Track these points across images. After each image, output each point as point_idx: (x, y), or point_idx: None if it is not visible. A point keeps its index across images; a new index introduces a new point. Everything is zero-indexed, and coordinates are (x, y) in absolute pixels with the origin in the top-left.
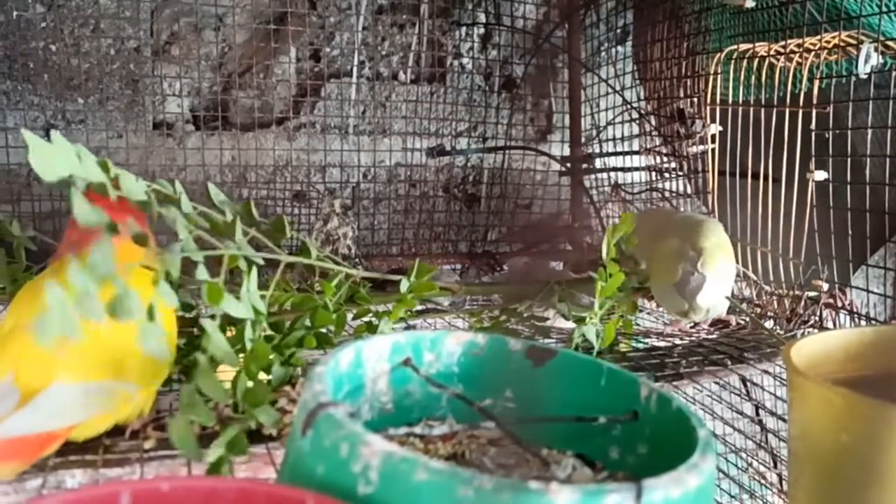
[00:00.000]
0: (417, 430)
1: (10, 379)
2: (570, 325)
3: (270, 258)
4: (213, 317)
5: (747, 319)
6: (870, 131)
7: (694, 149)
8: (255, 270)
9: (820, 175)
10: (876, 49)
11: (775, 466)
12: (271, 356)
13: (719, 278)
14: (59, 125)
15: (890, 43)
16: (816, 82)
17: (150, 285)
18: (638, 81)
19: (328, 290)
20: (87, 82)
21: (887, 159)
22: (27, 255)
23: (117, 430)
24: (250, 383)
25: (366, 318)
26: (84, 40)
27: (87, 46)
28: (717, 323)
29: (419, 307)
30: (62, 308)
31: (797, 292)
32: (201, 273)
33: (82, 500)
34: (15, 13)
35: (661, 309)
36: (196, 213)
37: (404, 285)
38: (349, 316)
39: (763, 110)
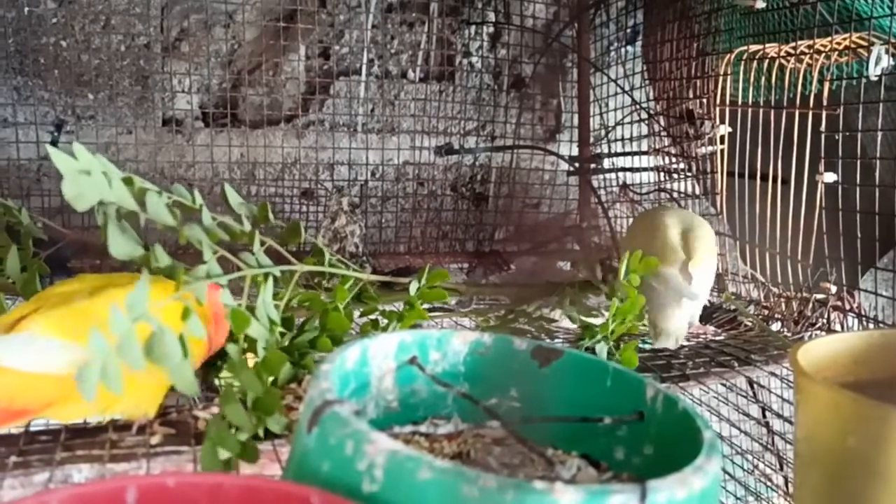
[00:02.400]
0: (423, 428)
1: None
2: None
3: (288, 269)
4: (235, 340)
5: (754, 321)
6: (880, 133)
7: (703, 150)
8: (270, 281)
9: (829, 177)
10: (887, 51)
11: (781, 469)
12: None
13: (701, 291)
14: (69, 121)
15: None
16: (827, 84)
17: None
18: (647, 81)
19: (341, 294)
20: (98, 78)
21: None
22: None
23: (124, 426)
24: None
25: (372, 316)
26: (95, 36)
27: (97, 42)
28: (725, 324)
29: (425, 305)
30: (106, 357)
31: (805, 294)
32: (226, 298)
33: (89, 495)
34: (26, 9)
35: None
36: (216, 224)
37: (413, 287)
38: (355, 313)
39: (773, 111)
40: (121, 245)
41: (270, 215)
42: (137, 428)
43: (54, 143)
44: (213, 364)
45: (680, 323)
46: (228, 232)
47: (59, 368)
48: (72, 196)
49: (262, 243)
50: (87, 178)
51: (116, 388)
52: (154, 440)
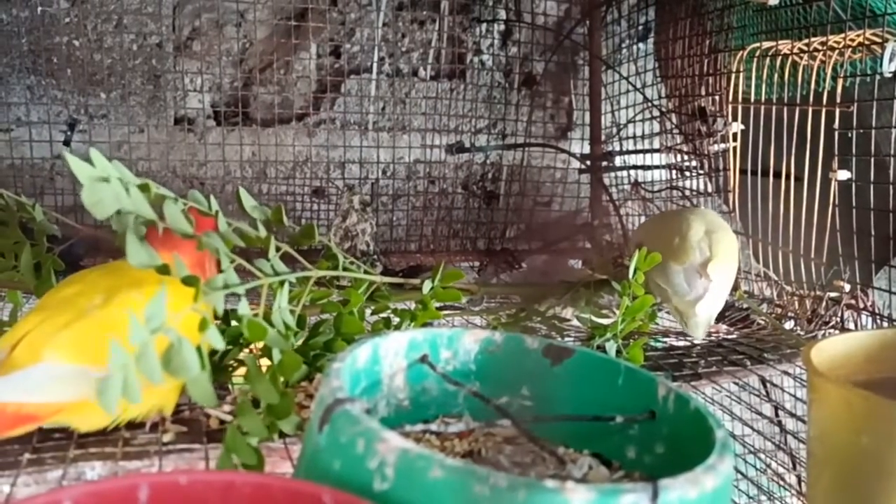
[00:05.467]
0: (434, 427)
1: (3, 355)
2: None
3: (304, 275)
4: (250, 350)
5: (767, 320)
6: (894, 130)
7: (715, 147)
8: (286, 287)
9: (843, 174)
10: None
11: (794, 468)
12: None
13: (720, 291)
14: (82, 120)
15: None
16: (840, 81)
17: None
18: (659, 79)
19: (355, 299)
20: (110, 77)
21: None
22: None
23: (137, 424)
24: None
25: (383, 314)
26: (107, 36)
27: (109, 42)
28: (737, 323)
29: (437, 304)
30: (126, 371)
31: (818, 293)
32: (243, 307)
33: (102, 492)
34: (39, 8)
35: None
36: (231, 230)
37: (427, 287)
38: (367, 311)
39: (786, 109)
40: (140, 255)
41: (285, 218)
42: (150, 426)
43: (67, 142)
44: (225, 366)
45: (709, 311)
46: (244, 237)
47: (76, 397)
48: (91, 203)
49: (278, 249)
50: (105, 185)
51: (136, 399)
52: (166, 438)
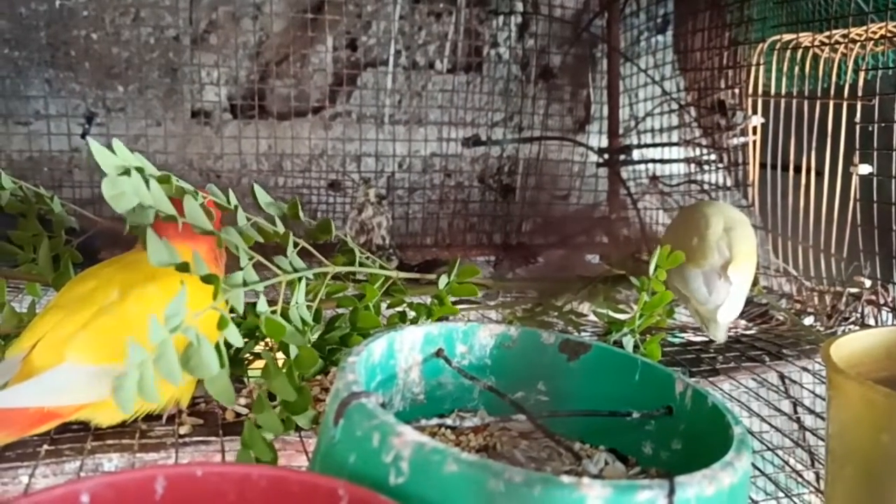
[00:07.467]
0: (449, 421)
1: (21, 357)
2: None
3: (321, 272)
4: (269, 347)
5: (786, 315)
6: None
7: (735, 141)
8: (303, 283)
9: (864, 168)
10: None
11: (812, 465)
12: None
13: (740, 292)
14: (100, 113)
15: None
16: (862, 73)
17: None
18: (678, 72)
19: (371, 294)
20: (128, 71)
21: None
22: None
23: (154, 416)
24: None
25: (399, 309)
26: (124, 29)
27: (127, 35)
28: (756, 318)
29: (453, 298)
30: (143, 370)
31: (838, 288)
32: (262, 305)
33: (119, 484)
34: (58, 2)
35: None
36: (249, 225)
37: (442, 282)
38: (382, 305)
39: (806, 102)
40: (160, 253)
41: (301, 213)
42: (166, 418)
43: (85, 135)
44: (241, 359)
45: (730, 315)
46: (262, 233)
47: (99, 397)
48: (111, 196)
49: (295, 244)
50: (126, 178)
51: (153, 398)
52: (183, 430)
